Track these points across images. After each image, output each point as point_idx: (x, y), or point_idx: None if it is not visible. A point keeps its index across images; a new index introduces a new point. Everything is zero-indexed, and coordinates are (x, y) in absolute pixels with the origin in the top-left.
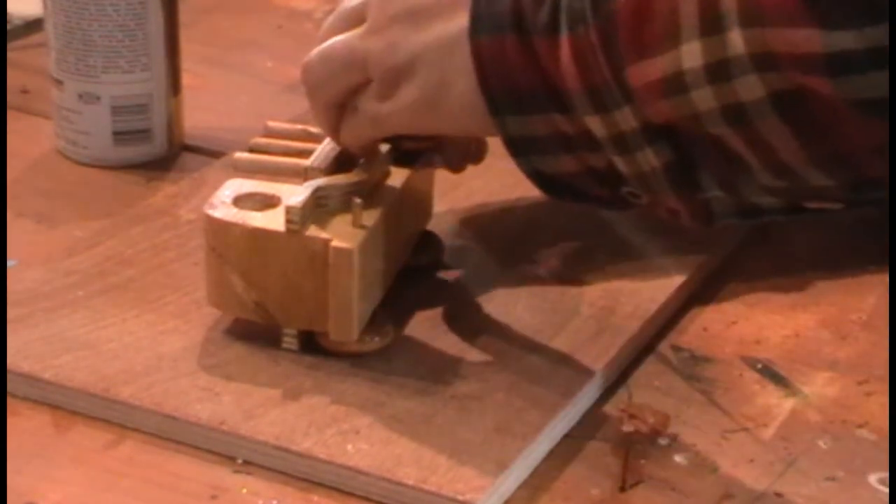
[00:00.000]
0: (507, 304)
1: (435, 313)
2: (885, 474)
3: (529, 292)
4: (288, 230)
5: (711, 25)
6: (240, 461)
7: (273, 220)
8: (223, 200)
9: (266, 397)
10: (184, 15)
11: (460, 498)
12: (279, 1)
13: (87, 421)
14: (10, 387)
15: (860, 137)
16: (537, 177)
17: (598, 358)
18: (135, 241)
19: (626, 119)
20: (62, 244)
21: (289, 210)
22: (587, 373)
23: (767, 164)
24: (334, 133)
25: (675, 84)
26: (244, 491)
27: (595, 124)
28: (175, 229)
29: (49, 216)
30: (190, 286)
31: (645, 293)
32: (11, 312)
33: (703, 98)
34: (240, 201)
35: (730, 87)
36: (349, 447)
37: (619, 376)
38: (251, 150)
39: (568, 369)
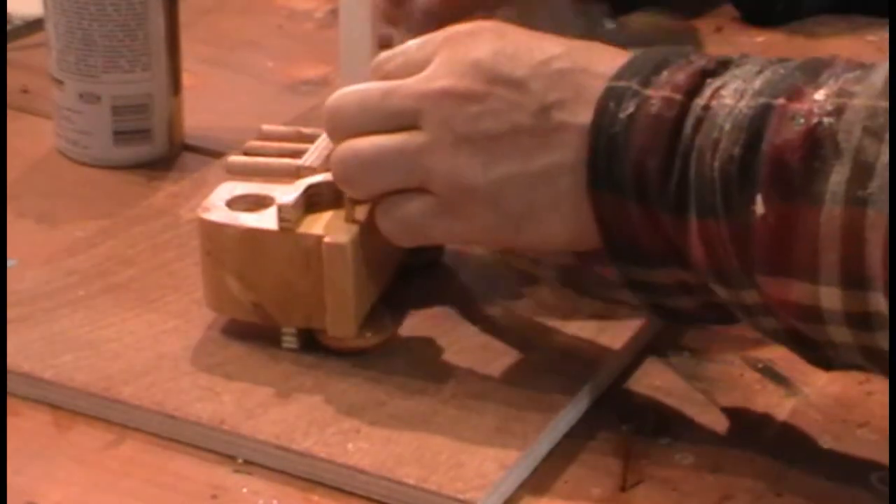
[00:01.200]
0: (507, 304)
1: (435, 313)
2: (886, 474)
3: (529, 292)
4: (281, 228)
5: (855, 282)
6: (240, 461)
7: (266, 220)
8: (217, 204)
9: (266, 396)
10: (184, 15)
11: (461, 497)
12: (280, 1)
13: (88, 421)
14: (10, 386)
15: None
16: (653, 309)
17: (599, 358)
18: (135, 241)
19: (752, 296)
20: (62, 244)
21: (281, 208)
22: (587, 373)
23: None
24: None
25: (812, 314)
26: (244, 490)
27: (719, 290)
28: (176, 229)
29: (49, 216)
30: (190, 286)
31: None
32: (12, 312)
33: (841, 334)
34: (234, 203)
35: (870, 336)
36: (350, 446)
37: (619, 376)
38: (245, 153)
39: (568, 369)
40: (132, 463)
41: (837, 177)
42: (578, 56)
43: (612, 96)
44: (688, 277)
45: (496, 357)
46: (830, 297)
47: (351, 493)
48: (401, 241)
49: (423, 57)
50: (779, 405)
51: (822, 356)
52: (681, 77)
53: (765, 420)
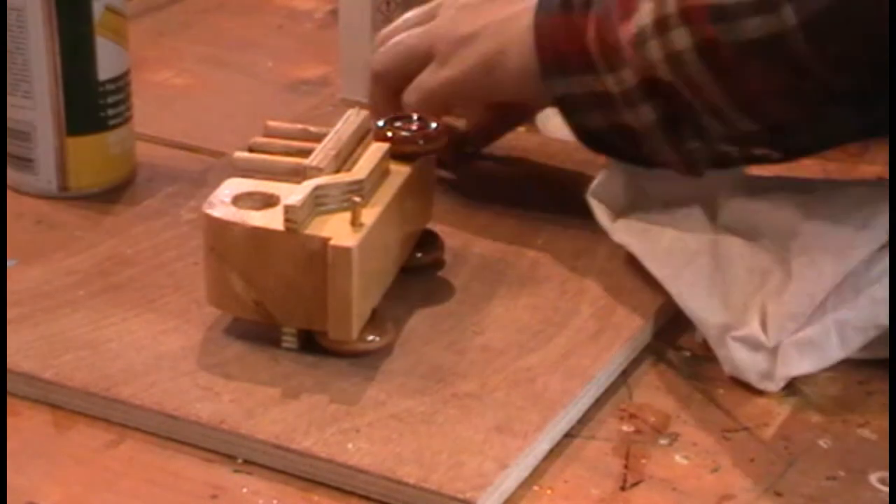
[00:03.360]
0: (507, 304)
1: (435, 313)
2: (886, 474)
3: (529, 292)
4: (287, 229)
5: None
6: (240, 460)
7: (272, 219)
8: (222, 200)
9: (266, 396)
10: (184, 15)
11: (461, 497)
12: (280, 1)
13: (88, 420)
14: (10, 386)
15: (756, 82)
16: (579, 131)
17: (598, 358)
18: (135, 241)
19: (628, 77)
20: (62, 244)
21: (288, 209)
22: (587, 373)
23: (706, 108)
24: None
25: (639, 38)
26: (244, 490)
27: (610, 82)
28: (175, 229)
29: (49, 216)
30: (190, 286)
31: (645, 293)
32: (12, 312)
33: (654, 49)
34: (239, 200)
35: (668, 39)
36: (349, 446)
37: (619, 376)
38: (251, 150)
39: (568, 369)
40: (132, 463)
41: None
42: None
43: None
44: (595, 85)
45: (496, 357)
46: (646, 13)
47: (351, 493)
48: (420, 107)
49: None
50: (779, 405)
51: (686, 152)
52: None
53: (765, 420)
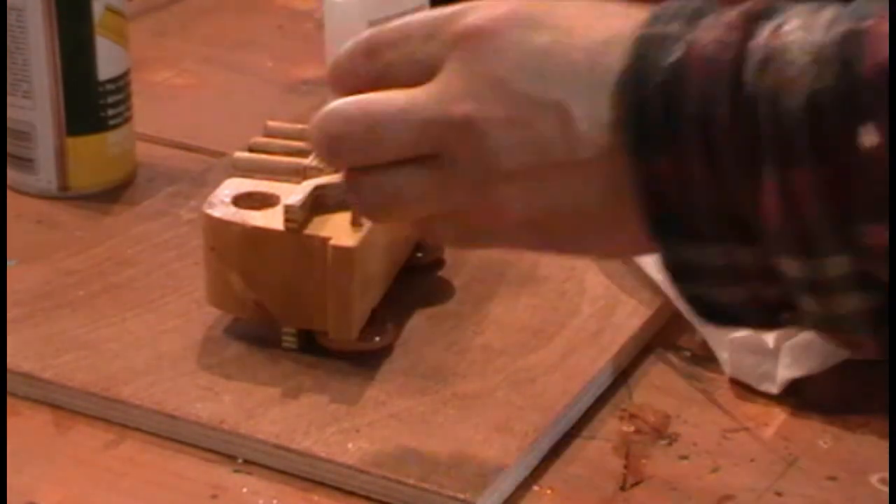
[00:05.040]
0: (507, 304)
1: (435, 313)
2: (886, 474)
3: (529, 292)
4: (287, 229)
5: None
6: (240, 460)
7: (272, 219)
8: (222, 199)
9: (266, 396)
10: (184, 15)
11: (460, 497)
12: (280, 1)
13: (88, 420)
14: (10, 386)
15: None
16: (695, 302)
17: (599, 357)
18: (135, 241)
19: (839, 266)
20: (62, 244)
21: (288, 209)
22: (587, 373)
23: None
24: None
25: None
26: (244, 490)
27: (792, 267)
28: (175, 229)
29: (49, 216)
30: (190, 286)
31: (645, 293)
32: (12, 312)
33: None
34: (239, 200)
35: None
36: (349, 446)
37: (619, 376)
38: (251, 150)
39: (568, 369)
40: (132, 463)
41: None
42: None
43: (649, 43)
44: (746, 257)
45: (496, 357)
46: None
47: (351, 493)
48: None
49: (430, 55)
50: (779, 405)
51: None
52: (726, 18)
53: (765, 420)
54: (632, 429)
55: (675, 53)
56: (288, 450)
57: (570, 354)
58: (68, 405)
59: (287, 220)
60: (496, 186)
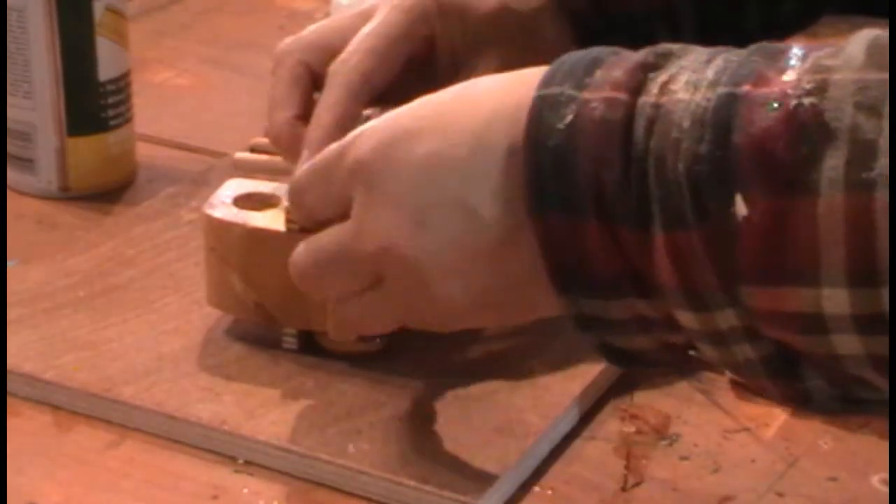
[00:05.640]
0: None
1: None
2: (886, 474)
3: None
4: (288, 230)
5: (864, 279)
6: (241, 461)
7: (273, 220)
8: (223, 200)
9: (267, 397)
10: (184, 15)
11: (461, 498)
12: (281, 1)
13: (89, 421)
14: (11, 387)
15: None
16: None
17: (599, 358)
18: (136, 242)
19: (728, 319)
20: (63, 244)
21: (288, 210)
22: (587, 373)
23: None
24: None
25: (814, 324)
26: (245, 491)
27: (687, 319)
28: (176, 229)
29: (49, 216)
30: (191, 286)
31: None
32: (12, 312)
33: (847, 344)
34: (239, 201)
35: (882, 341)
36: (350, 447)
37: (620, 376)
38: (251, 150)
39: (569, 369)
40: (132, 463)
41: (833, 161)
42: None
43: (544, 105)
44: (646, 310)
45: (496, 357)
46: (835, 301)
47: (351, 494)
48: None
49: (339, 194)
50: (779, 405)
51: (801, 390)
52: (618, 73)
53: (765, 420)
54: (632, 429)
55: (568, 116)
56: (289, 451)
57: (570, 355)
58: (69, 406)
59: (288, 221)
60: (434, 289)
